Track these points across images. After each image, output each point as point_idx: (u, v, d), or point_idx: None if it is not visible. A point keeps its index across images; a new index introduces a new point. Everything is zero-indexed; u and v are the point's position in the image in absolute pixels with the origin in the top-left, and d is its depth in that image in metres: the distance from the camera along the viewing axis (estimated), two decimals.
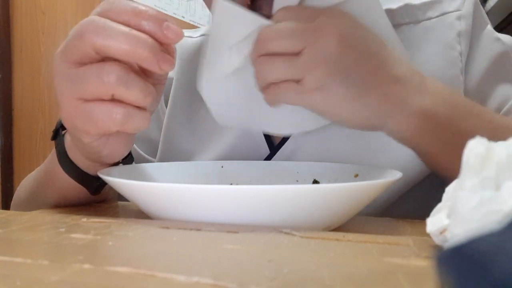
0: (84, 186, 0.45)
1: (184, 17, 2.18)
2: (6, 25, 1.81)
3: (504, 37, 0.56)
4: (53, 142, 0.47)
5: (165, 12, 1.94)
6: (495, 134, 0.37)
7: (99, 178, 0.44)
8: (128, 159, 0.48)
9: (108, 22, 0.36)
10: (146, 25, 0.36)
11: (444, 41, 0.54)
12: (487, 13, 0.59)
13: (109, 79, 0.35)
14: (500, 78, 0.54)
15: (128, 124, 0.37)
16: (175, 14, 2.11)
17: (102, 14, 0.36)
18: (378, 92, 0.41)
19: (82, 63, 0.36)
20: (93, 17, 0.36)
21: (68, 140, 0.45)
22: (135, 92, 0.36)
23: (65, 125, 0.40)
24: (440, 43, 0.54)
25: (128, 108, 0.37)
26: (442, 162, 0.44)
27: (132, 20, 0.36)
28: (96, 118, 0.37)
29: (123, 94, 0.36)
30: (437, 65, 0.53)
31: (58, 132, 0.46)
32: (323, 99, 0.40)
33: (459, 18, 0.54)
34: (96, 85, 0.35)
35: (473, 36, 0.54)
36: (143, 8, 0.37)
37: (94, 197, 0.48)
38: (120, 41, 0.35)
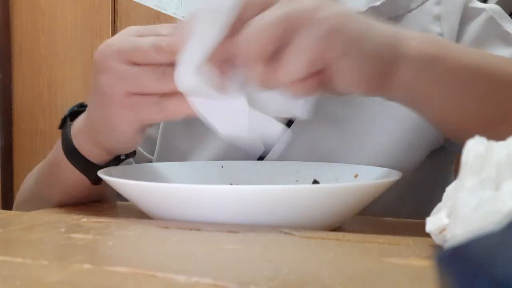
0: (85, 175, 0.45)
1: (184, 17, 2.17)
2: (6, 25, 1.81)
3: (487, 5, 0.57)
4: (53, 141, 0.48)
5: (165, 12, 1.93)
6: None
7: (100, 167, 0.44)
8: (132, 153, 0.48)
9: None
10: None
11: (420, 27, 0.55)
12: None
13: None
14: (487, 44, 0.54)
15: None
16: (175, 14, 2.11)
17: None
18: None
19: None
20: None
21: (75, 128, 0.45)
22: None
23: (98, 112, 0.41)
24: (418, 29, 0.54)
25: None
26: (450, 114, 0.40)
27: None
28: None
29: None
30: None
31: (66, 121, 0.47)
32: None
33: (437, 3, 0.56)
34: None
35: (463, 14, 0.55)
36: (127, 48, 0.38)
37: (95, 193, 0.48)
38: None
